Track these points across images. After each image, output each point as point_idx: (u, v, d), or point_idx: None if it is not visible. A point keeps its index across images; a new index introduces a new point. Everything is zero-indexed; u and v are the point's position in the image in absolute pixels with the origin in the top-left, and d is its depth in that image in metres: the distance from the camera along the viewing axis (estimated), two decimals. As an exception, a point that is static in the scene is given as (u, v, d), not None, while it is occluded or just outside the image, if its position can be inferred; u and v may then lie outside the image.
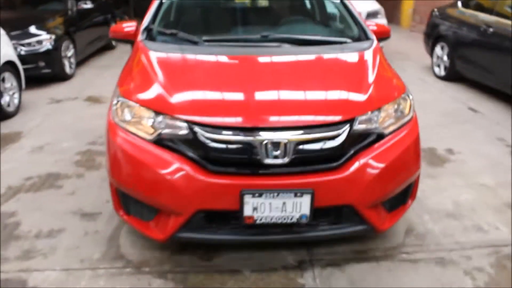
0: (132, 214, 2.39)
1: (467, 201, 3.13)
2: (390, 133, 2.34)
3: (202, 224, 2.25)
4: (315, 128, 2.18)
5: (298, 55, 2.79)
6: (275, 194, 2.11)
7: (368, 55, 2.80)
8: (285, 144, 2.11)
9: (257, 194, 2.10)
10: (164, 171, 2.13)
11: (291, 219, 2.17)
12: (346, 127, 2.20)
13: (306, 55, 2.79)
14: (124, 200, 2.37)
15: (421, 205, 3.06)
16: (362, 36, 3.07)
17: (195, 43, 2.86)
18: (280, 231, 2.30)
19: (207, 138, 2.13)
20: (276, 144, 2.11)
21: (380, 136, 2.30)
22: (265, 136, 2.11)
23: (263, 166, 2.13)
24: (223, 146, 2.14)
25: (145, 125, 2.24)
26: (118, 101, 2.40)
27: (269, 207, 2.13)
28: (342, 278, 2.39)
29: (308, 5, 3.91)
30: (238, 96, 2.38)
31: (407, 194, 2.52)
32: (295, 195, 2.11)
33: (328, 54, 2.84)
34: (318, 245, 2.62)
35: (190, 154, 2.14)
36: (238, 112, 2.23)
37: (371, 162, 2.22)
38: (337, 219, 2.33)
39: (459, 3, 6.23)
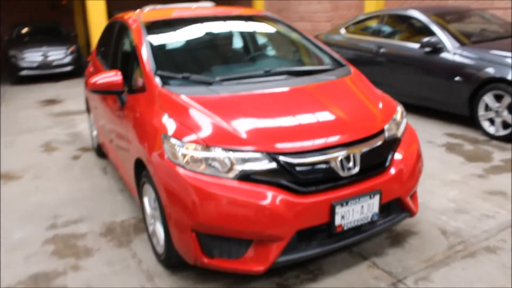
0: (217, 256, 2.38)
1: (458, 196, 3.61)
2: (402, 136, 2.78)
3: (295, 245, 2.38)
4: (369, 139, 2.57)
5: (311, 83, 2.98)
6: (357, 200, 2.43)
7: (360, 77, 3.22)
8: (353, 156, 2.45)
9: (344, 203, 2.39)
10: (262, 202, 2.25)
11: (367, 219, 2.51)
12: (383, 134, 2.65)
13: (317, 83, 3.00)
14: (208, 244, 2.36)
15: (431, 209, 3.40)
16: (336, 63, 3.40)
17: (209, 83, 2.85)
18: (353, 233, 2.52)
19: (291, 164, 2.33)
20: (347, 158, 2.43)
21: (398, 140, 2.73)
22: (339, 152, 2.42)
23: (340, 178, 2.41)
24: (306, 168, 2.36)
25: (223, 164, 2.32)
26: (183, 146, 2.37)
27: (352, 213, 2.43)
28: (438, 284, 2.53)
29: (278, 41, 4.11)
30: (299, 122, 2.57)
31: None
32: (370, 197, 2.47)
33: (331, 79, 3.08)
34: (389, 265, 2.71)
35: (276, 181, 2.30)
36: (310, 136, 2.46)
37: (405, 159, 2.67)
38: (387, 212, 2.68)
39: (343, 30, 7.11)
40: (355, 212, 2.43)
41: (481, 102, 4.97)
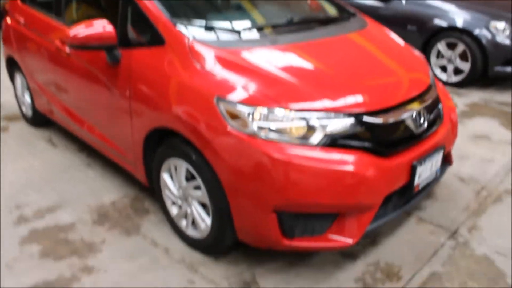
0: (298, 236, 2.05)
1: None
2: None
3: (380, 212, 2.17)
4: (428, 91, 2.38)
5: (342, 34, 2.62)
6: (430, 157, 2.25)
7: (381, 27, 2.97)
8: (423, 111, 2.25)
9: (422, 162, 2.19)
10: (355, 169, 1.94)
11: (433, 175, 2.38)
12: (433, 86, 2.50)
13: (353, 32, 2.67)
14: (289, 224, 2.01)
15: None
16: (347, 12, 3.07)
17: (237, 32, 2.33)
18: (419, 192, 2.36)
19: (375, 124, 2.05)
20: (418, 113, 2.22)
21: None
22: (413, 108, 2.21)
23: (414, 136, 2.20)
24: (388, 127, 2.10)
25: (305, 129, 1.95)
26: (253, 111, 1.95)
27: (425, 171, 2.26)
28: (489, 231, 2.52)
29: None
30: (370, 77, 2.28)
31: None
32: (437, 153, 2.31)
33: (361, 28, 2.77)
34: (436, 218, 2.64)
35: (362, 144, 2.00)
36: (387, 92, 2.21)
37: (449, 110, 2.57)
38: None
39: None
40: (427, 169, 2.27)
41: (434, 50, 5.12)
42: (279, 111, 1.94)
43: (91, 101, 2.85)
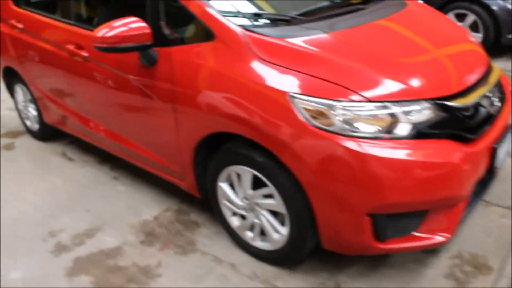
0: (389, 238, 1.86)
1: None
2: None
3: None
4: (490, 69, 2.23)
5: (397, 12, 2.38)
6: (504, 136, 2.08)
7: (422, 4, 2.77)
8: (493, 89, 2.11)
9: (500, 143, 2.02)
10: (449, 160, 1.77)
11: (506, 157, 2.19)
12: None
13: (404, 10, 2.43)
14: (381, 226, 1.81)
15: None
16: None
17: (292, 20, 2.10)
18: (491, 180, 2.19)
19: (459, 108, 1.85)
20: (490, 92, 2.08)
21: None
22: (485, 86, 2.05)
23: (490, 117, 2.03)
24: (469, 111, 1.91)
25: (393, 121, 1.75)
26: (336, 106, 1.72)
27: (501, 152, 2.08)
28: None
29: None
30: (440, 59, 2.06)
31: None
32: (508, 132, 2.14)
33: (405, 8, 2.50)
34: (502, 200, 2.51)
35: (448, 131, 1.82)
36: (463, 74, 2.01)
37: (507, 86, 2.37)
38: None
39: None
40: (503, 151, 2.11)
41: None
42: (363, 104, 1.73)
43: (119, 108, 2.58)
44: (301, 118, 1.75)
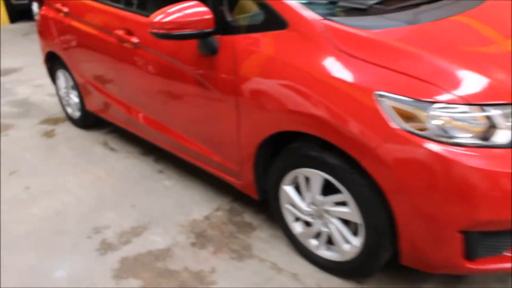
0: (480, 257, 1.63)
1: None
2: None
3: None
4: None
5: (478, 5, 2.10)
6: None
7: None
8: None
9: None
10: None
11: None
12: None
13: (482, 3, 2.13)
14: (473, 244, 1.59)
15: None
16: None
17: (374, 10, 1.87)
18: None
19: None
20: None
21: None
22: None
23: None
24: None
25: (492, 128, 1.49)
26: (430, 109, 1.49)
27: None
28: None
29: None
30: None
31: None
32: None
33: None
34: None
35: None
36: None
37: None
38: None
39: None
40: None
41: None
42: (459, 106, 1.50)
43: (170, 99, 2.41)
44: (389, 119, 1.53)
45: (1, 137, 3.56)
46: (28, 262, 2.18)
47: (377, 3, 1.91)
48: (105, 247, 2.25)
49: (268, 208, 2.22)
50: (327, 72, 1.66)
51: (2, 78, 5.12)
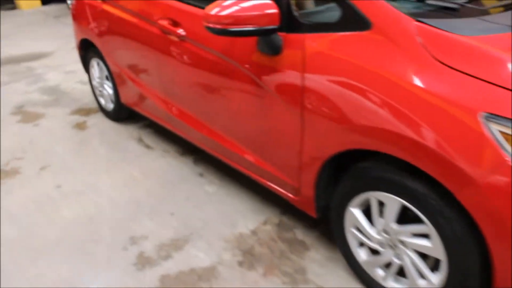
0: None
1: None
2: None
3: None
4: None
5: None
6: None
7: None
8: None
9: None
10: None
11: None
12: None
13: None
14: None
15: None
16: None
17: (475, 12, 1.58)
18: None
19: None
20: None
21: None
22: None
23: None
24: None
25: None
26: None
27: None
28: None
29: None
30: None
31: None
32: None
33: None
34: None
35: None
36: None
37: None
38: None
39: None
40: None
41: None
42: None
43: (220, 100, 2.17)
44: (497, 146, 1.26)
45: (30, 127, 3.40)
46: (60, 274, 2.00)
47: (471, 2, 1.63)
48: (143, 262, 2.05)
49: (320, 223, 1.98)
50: (419, 85, 1.39)
51: (33, 63, 4.97)
